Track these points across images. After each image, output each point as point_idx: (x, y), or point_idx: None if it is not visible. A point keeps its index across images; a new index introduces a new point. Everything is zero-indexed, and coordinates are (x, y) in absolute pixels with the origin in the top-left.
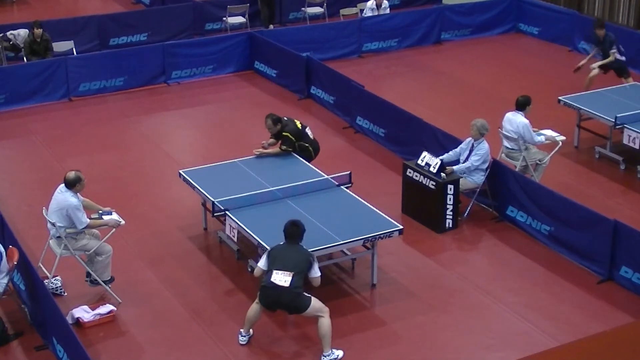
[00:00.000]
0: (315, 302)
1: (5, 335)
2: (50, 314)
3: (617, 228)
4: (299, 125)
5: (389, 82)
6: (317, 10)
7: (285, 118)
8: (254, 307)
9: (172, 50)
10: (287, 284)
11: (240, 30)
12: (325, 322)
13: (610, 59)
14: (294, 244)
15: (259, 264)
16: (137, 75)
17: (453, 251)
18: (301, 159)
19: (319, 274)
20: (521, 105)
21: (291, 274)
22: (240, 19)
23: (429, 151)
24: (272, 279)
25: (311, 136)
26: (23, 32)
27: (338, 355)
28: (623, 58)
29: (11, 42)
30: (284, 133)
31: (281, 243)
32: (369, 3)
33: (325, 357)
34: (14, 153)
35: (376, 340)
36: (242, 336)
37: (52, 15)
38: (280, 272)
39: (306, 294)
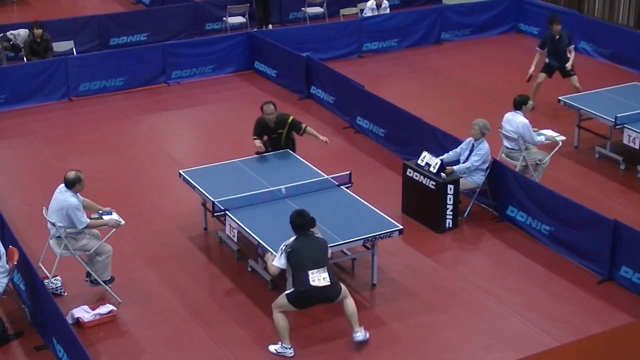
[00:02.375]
0: (342, 285)
1: (5, 335)
2: (50, 314)
3: (617, 228)
4: None
5: (389, 82)
6: (317, 10)
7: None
8: (280, 316)
9: (172, 50)
10: (328, 282)
11: (240, 30)
12: (352, 302)
13: (572, 56)
14: (307, 234)
15: (275, 262)
16: (137, 75)
17: (453, 251)
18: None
19: (330, 253)
20: (518, 104)
21: (325, 269)
22: (240, 19)
23: (429, 151)
24: (312, 282)
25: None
26: (23, 32)
27: (367, 334)
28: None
29: (11, 42)
30: (290, 119)
31: (294, 238)
32: (369, 3)
33: (358, 334)
34: (14, 153)
35: (376, 340)
36: (287, 349)
37: (52, 15)
38: (314, 271)
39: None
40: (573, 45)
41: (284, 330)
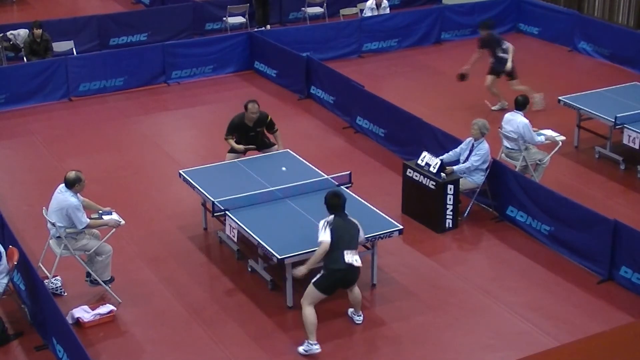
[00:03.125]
0: None
1: (5, 335)
2: (50, 314)
3: (617, 228)
4: None
5: (389, 82)
6: (317, 10)
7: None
8: (310, 311)
9: (172, 50)
10: (360, 263)
11: (240, 30)
12: (358, 289)
13: (509, 56)
14: (343, 214)
15: (323, 238)
16: (137, 75)
17: (453, 251)
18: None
19: (364, 235)
20: (521, 105)
21: (357, 252)
22: (240, 19)
23: (429, 151)
24: (347, 261)
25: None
26: (23, 32)
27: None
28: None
29: (11, 42)
30: (269, 118)
31: (332, 216)
32: (368, 3)
33: (358, 317)
34: (14, 153)
35: (376, 340)
36: (313, 345)
37: (52, 15)
38: (349, 252)
39: None
40: (505, 46)
41: (312, 326)
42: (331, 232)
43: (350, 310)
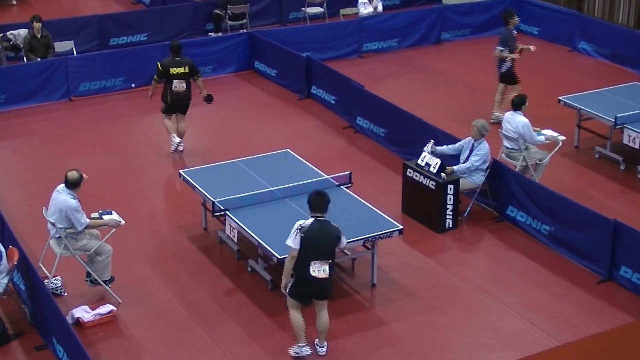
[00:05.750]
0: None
1: (5, 335)
2: (50, 314)
3: (617, 228)
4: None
5: (389, 82)
6: (317, 10)
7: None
8: (293, 314)
9: None
10: (327, 274)
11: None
12: (327, 316)
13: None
14: (322, 218)
15: (291, 244)
16: (137, 75)
17: (453, 251)
18: None
19: (345, 241)
20: (517, 105)
21: (328, 263)
22: (240, 20)
23: (429, 146)
24: (311, 272)
25: (177, 88)
26: (23, 32)
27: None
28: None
29: (11, 42)
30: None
31: (310, 222)
32: None
33: (321, 347)
34: (14, 153)
35: (376, 340)
36: (302, 347)
37: (52, 15)
38: (317, 262)
39: None
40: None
41: (297, 329)
42: (301, 240)
43: (316, 340)
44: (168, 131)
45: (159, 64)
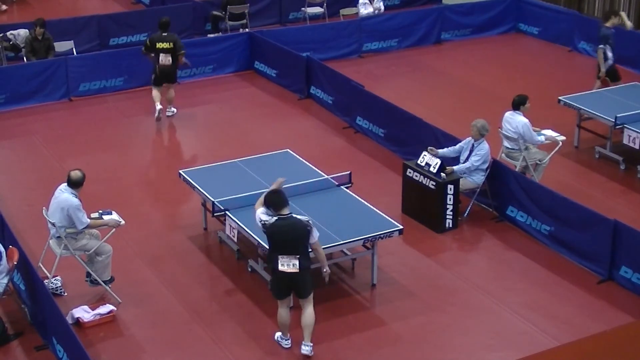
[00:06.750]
0: (311, 291)
1: (5, 335)
2: (50, 314)
3: (617, 228)
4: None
5: (389, 82)
6: (317, 10)
7: (164, 33)
8: (280, 311)
9: None
10: (296, 269)
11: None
12: (313, 312)
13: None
14: (286, 213)
15: (259, 213)
16: (137, 75)
17: (453, 251)
18: None
19: (317, 235)
20: (517, 104)
21: (297, 257)
22: (240, 20)
23: (429, 151)
24: (280, 267)
25: (163, 61)
26: (23, 32)
27: (312, 352)
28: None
29: (11, 42)
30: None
31: (274, 219)
32: None
33: (306, 347)
34: (14, 153)
35: (376, 340)
36: (283, 339)
37: (52, 15)
38: (285, 257)
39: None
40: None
41: (281, 325)
42: (267, 237)
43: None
44: (154, 100)
45: (147, 38)
